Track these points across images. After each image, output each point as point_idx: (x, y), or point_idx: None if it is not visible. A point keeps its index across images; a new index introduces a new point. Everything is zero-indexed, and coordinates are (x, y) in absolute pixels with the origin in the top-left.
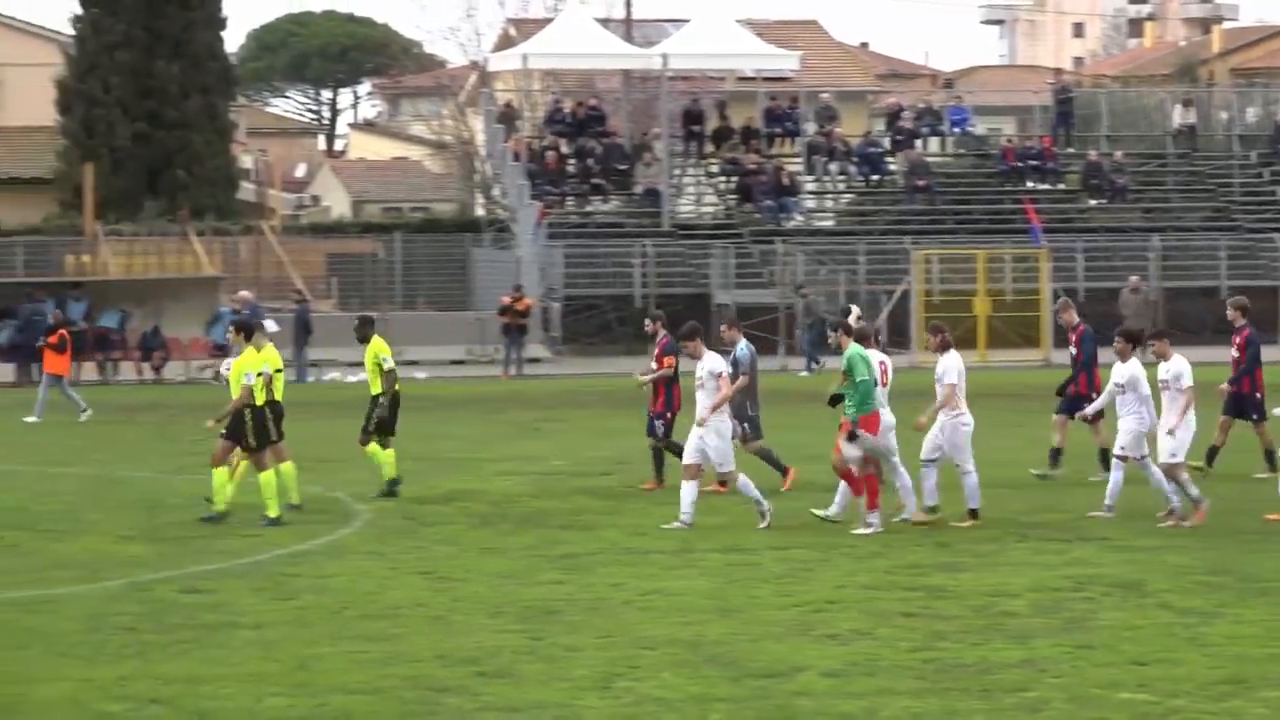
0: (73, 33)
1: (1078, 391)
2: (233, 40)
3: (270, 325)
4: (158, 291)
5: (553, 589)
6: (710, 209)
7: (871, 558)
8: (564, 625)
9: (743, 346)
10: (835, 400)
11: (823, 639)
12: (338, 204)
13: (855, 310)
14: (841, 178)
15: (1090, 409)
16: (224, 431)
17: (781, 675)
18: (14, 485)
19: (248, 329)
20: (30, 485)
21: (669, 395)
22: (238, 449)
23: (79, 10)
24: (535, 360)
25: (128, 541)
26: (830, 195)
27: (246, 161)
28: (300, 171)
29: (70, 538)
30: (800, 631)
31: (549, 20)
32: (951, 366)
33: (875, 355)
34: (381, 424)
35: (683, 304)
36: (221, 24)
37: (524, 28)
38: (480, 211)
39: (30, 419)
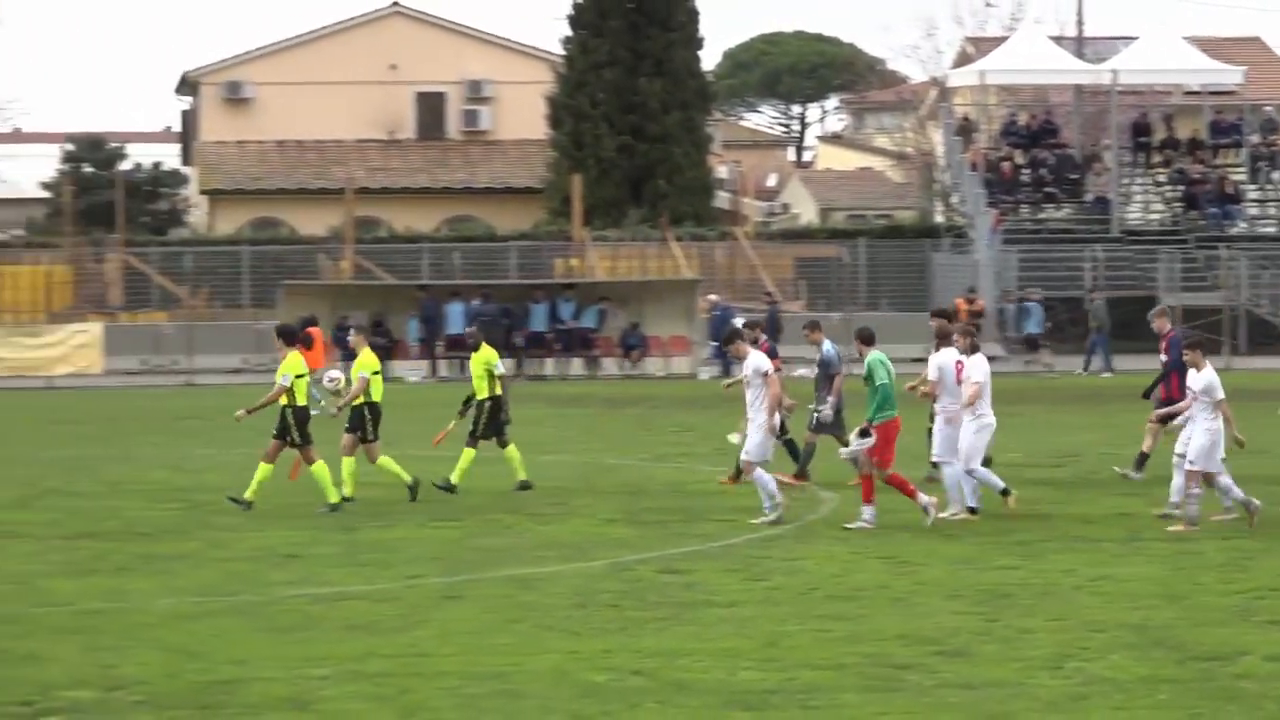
0: (562, 52)
1: (1169, 396)
2: (709, 59)
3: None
4: (639, 293)
5: (1007, 574)
6: (1157, 215)
7: None
8: (1018, 608)
9: (829, 347)
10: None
11: (1265, 625)
12: (806, 211)
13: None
14: None
15: (1166, 411)
16: (349, 427)
17: (1225, 659)
18: (508, 471)
19: (289, 334)
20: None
21: None
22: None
23: (568, 32)
24: (991, 358)
25: (612, 524)
26: (1273, 203)
27: (722, 172)
28: (771, 181)
29: (559, 520)
30: (1243, 617)
31: (1005, 38)
32: (979, 367)
33: None
34: (490, 427)
35: (1131, 306)
36: (699, 44)
37: (981, 45)
38: (939, 218)
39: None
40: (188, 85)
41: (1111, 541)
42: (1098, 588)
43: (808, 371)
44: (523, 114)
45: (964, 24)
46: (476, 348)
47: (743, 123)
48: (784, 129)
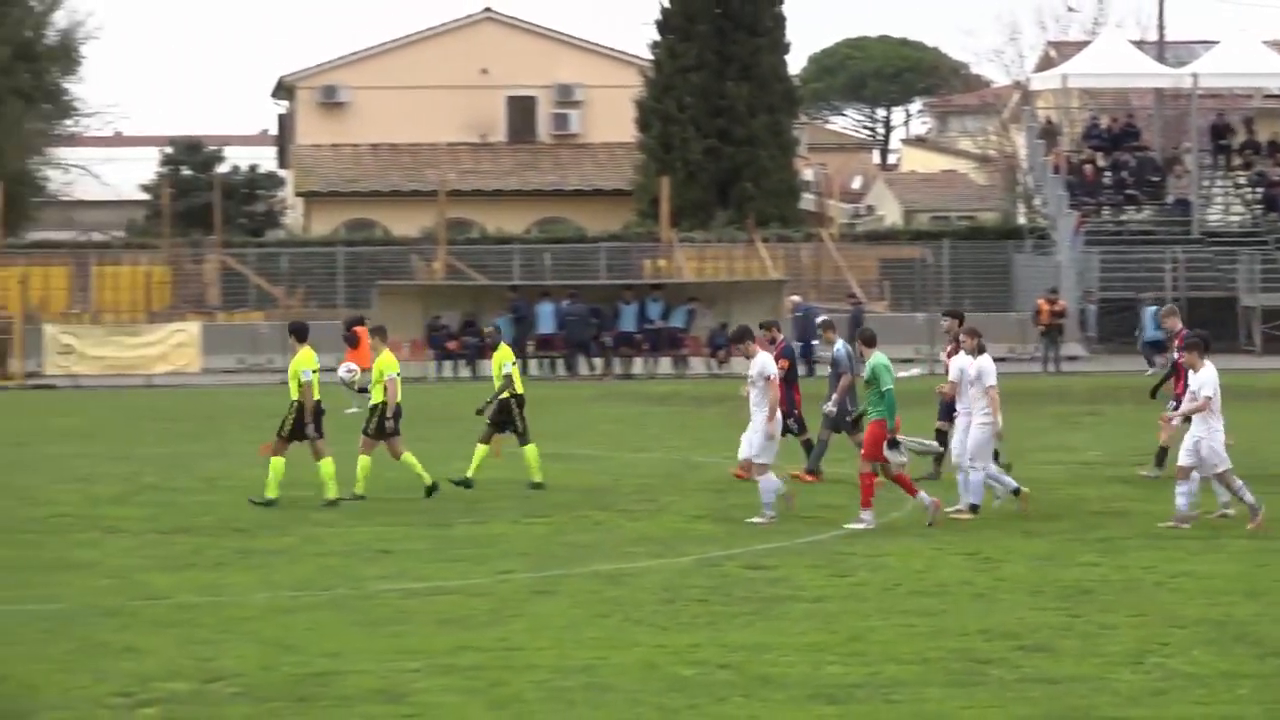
0: (651, 57)
1: (1181, 393)
2: (795, 63)
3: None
4: (726, 293)
5: (1088, 570)
6: (1237, 218)
7: None
8: (1099, 604)
9: (840, 347)
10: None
11: None
12: (890, 213)
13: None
14: None
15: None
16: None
17: None
18: (597, 468)
19: (301, 331)
20: (612, 469)
21: (789, 393)
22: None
23: (657, 36)
24: (1072, 358)
25: (699, 521)
26: None
27: (807, 175)
28: (856, 184)
29: (648, 517)
30: None
31: (1087, 43)
32: (989, 369)
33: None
34: (509, 424)
35: (1210, 307)
36: (785, 48)
37: (1063, 49)
38: (1021, 220)
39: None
40: (284, 90)
41: (1192, 539)
42: (1178, 584)
43: (913, 371)
44: (612, 117)
45: (1046, 28)
46: (495, 347)
47: (828, 126)
48: (869, 132)
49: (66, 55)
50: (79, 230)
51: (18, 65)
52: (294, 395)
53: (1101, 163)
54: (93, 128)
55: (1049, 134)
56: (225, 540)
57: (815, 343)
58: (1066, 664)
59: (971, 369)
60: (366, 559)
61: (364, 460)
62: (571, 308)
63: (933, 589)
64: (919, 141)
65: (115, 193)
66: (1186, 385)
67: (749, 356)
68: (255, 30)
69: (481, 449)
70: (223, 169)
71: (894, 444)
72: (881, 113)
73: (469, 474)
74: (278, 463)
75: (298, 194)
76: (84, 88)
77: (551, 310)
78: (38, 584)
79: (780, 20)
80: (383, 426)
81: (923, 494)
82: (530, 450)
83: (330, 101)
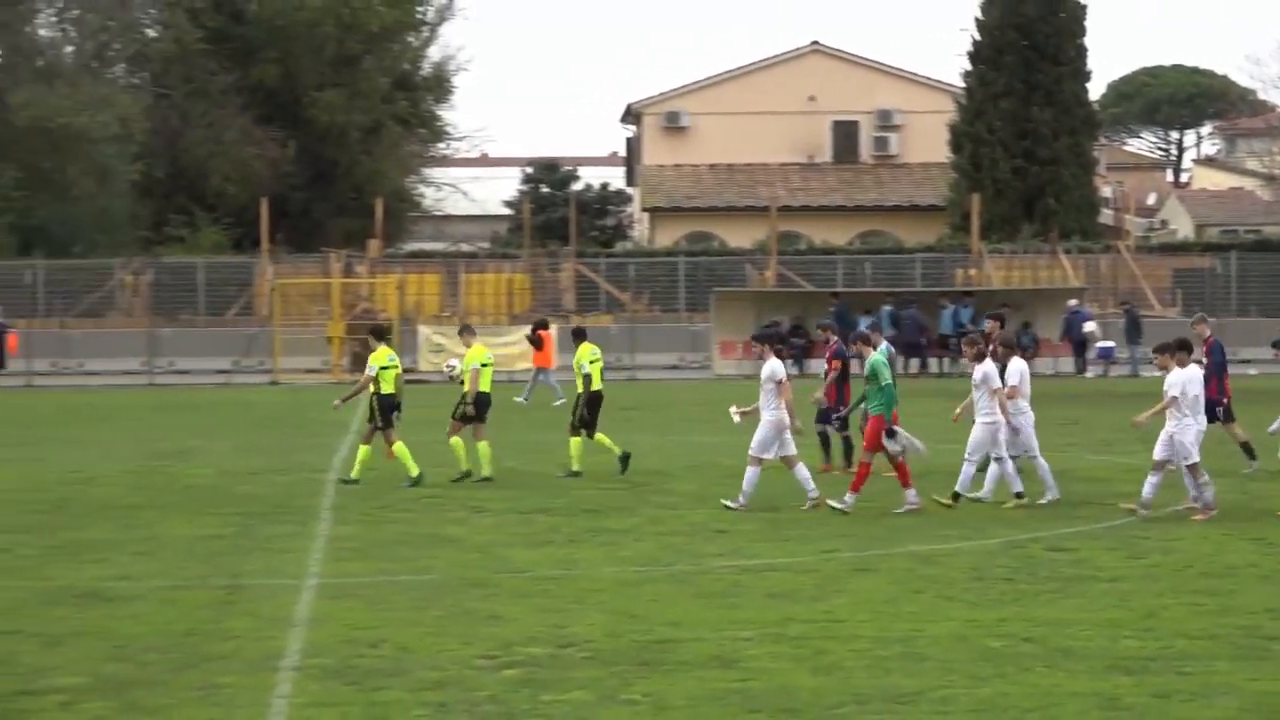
0: (963, 85)
1: (1209, 397)
2: (1095, 90)
3: (1090, 326)
4: (1031, 300)
5: None
6: None
7: None
8: None
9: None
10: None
11: None
12: (1183, 227)
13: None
14: None
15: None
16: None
17: None
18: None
19: (380, 332)
20: (929, 460)
21: (840, 391)
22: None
23: (968, 66)
24: None
25: (1001, 506)
26: None
27: (1105, 191)
28: (1150, 200)
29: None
30: None
31: None
32: (992, 373)
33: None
34: (584, 420)
35: None
36: (1086, 76)
37: None
38: None
39: (519, 399)
40: (632, 115)
41: None
42: None
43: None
44: (927, 140)
45: None
46: (580, 343)
47: (1125, 147)
48: (1162, 153)
49: (439, 85)
50: (449, 241)
51: (397, 94)
52: (371, 389)
53: None
54: (462, 150)
55: None
56: (577, 520)
57: (1088, 329)
58: None
59: (979, 373)
60: (705, 538)
61: (481, 446)
62: (907, 312)
63: (1221, 571)
64: (1209, 161)
65: (481, 208)
66: (1219, 389)
67: (763, 359)
68: (606, 62)
69: (576, 442)
70: (577, 187)
71: (891, 433)
72: (1174, 135)
73: (575, 467)
74: (400, 448)
75: (644, 209)
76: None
77: (889, 313)
78: (412, 557)
79: (1082, 51)
80: (467, 414)
81: (911, 491)
82: (576, 442)
83: (673, 126)
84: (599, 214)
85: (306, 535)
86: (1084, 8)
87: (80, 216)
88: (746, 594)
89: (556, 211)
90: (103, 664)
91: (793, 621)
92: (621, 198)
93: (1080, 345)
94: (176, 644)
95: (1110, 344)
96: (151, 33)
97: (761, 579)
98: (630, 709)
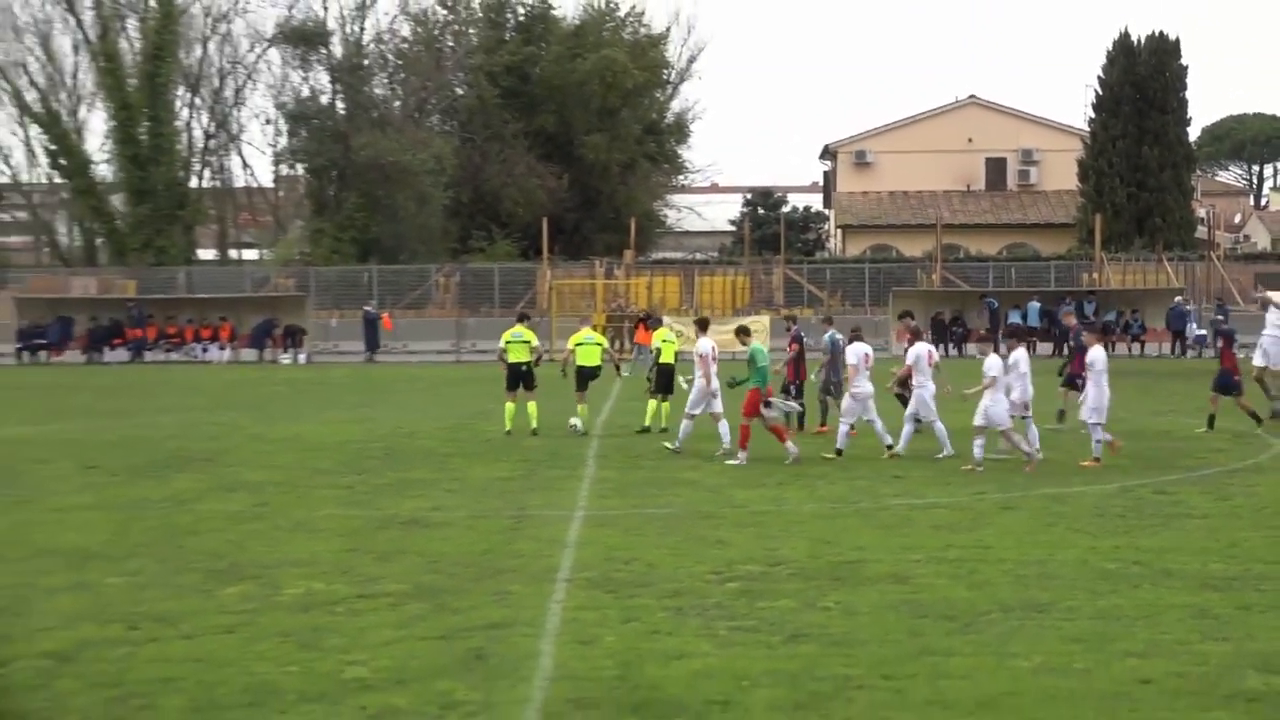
0: (1088, 129)
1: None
2: (1193, 133)
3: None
4: (1142, 298)
5: None
6: None
7: None
8: None
9: (831, 333)
10: (734, 384)
11: None
12: (1262, 240)
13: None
14: None
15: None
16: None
17: None
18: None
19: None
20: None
21: (797, 368)
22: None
23: (1093, 114)
24: None
25: (1118, 460)
26: None
27: (1200, 213)
28: (1236, 219)
29: (1083, 457)
30: None
31: None
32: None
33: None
34: (659, 384)
35: None
36: (1187, 122)
37: None
38: None
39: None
40: (828, 153)
41: None
42: None
43: None
44: (1060, 172)
45: None
46: (656, 327)
47: (1216, 178)
48: (1246, 182)
49: (680, 130)
50: (686, 252)
51: (647, 138)
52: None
53: None
54: (696, 180)
55: None
56: (781, 469)
57: (1191, 324)
58: None
59: (926, 355)
60: (885, 482)
61: (652, 404)
62: (1044, 307)
63: None
64: None
65: (711, 225)
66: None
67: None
68: (809, 110)
69: (651, 404)
70: (786, 209)
71: (767, 403)
72: (1256, 168)
73: (647, 423)
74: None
75: (837, 226)
76: (691, 152)
77: (1038, 308)
78: (658, 495)
79: (1183, 102)
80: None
81: (790, 443)
82: (653, 404)
83: (860, 161)
84: (803, 230)
85: (576, 477)
86: (1185, 67)
87: (405, 232)
88: (916, 526)
89: (770, 228)
90: (421, 575)
91: (952, 547)
92: (820, 217)
93: (1179, 333)
94: (476, 560)
95: (1203, 332)
96: (459, 90)
97: (927, 514)
98: (825, 614)
